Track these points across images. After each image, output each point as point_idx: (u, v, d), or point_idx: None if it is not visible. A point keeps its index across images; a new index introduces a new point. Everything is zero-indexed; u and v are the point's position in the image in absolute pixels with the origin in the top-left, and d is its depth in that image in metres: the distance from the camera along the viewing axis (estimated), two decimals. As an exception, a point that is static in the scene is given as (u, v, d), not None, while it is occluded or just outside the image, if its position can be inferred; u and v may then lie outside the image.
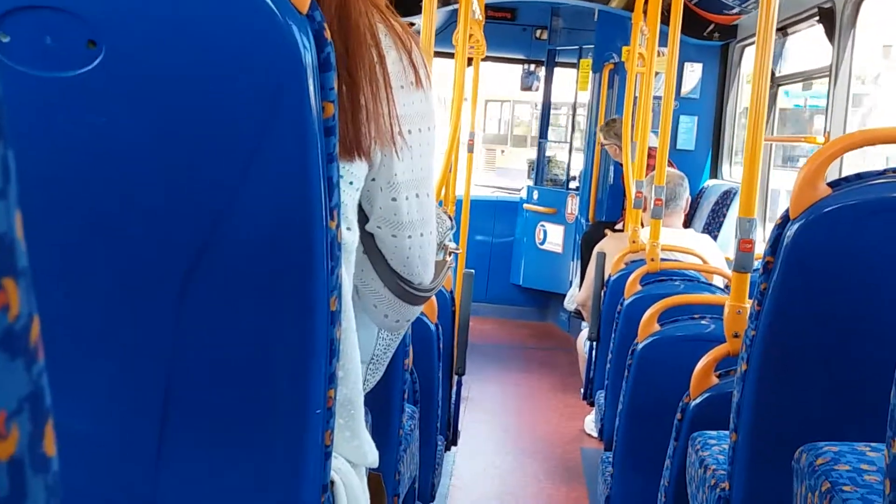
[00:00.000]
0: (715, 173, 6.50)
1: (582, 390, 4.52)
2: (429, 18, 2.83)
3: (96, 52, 0.81)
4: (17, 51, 0.79)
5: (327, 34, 0.88)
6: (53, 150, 0.82)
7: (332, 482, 1.01)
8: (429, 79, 1.08)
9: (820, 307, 1.53)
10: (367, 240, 1.10)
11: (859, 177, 1.52)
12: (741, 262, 2.18)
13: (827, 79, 4.43)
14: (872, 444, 1.26)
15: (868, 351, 1.50)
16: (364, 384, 1.24)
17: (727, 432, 1.67)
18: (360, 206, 1.07)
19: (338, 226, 0.93)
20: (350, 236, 1.04)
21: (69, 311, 0.88)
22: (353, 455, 1.07)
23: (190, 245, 0.87)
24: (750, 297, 1.97)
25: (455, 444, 3.61)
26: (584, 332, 4.61)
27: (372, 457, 1.09)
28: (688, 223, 5.63)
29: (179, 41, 0.82)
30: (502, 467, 4.16)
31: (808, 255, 1.51)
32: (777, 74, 5.47)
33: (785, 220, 1.54)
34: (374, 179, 1.05)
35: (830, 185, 1.53)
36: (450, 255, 1.33)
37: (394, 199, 1.07)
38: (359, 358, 1.06)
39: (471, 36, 4.41)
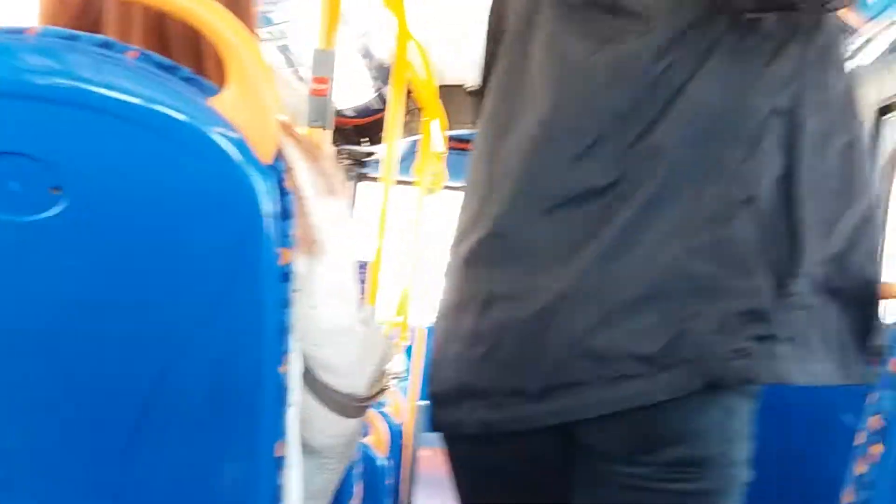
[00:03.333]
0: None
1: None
2: (392, 150, 2.89)
3: (60, 197, 0.82)
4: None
5: (287, 183, 0.90)
6: (11, 293, 0.83)
7: None
8: (342, 187, 1.09)
9: None
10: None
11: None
12: None
13: None
14: None
15: None
16: None
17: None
18: None
19: (287, 371, 0.94)
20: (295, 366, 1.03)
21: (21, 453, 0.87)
22: None
23: (139, 392, 0.87)
24: None
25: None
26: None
27: None
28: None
29: (144, 190, 0.84)
30: None
31: None
32: None
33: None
34: (295, 290, 1.05)
35: None
36: (391, 378, 1.31)
37: (313, 307, 1.07)
38: (301, 499, 1.05)
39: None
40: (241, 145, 0.86)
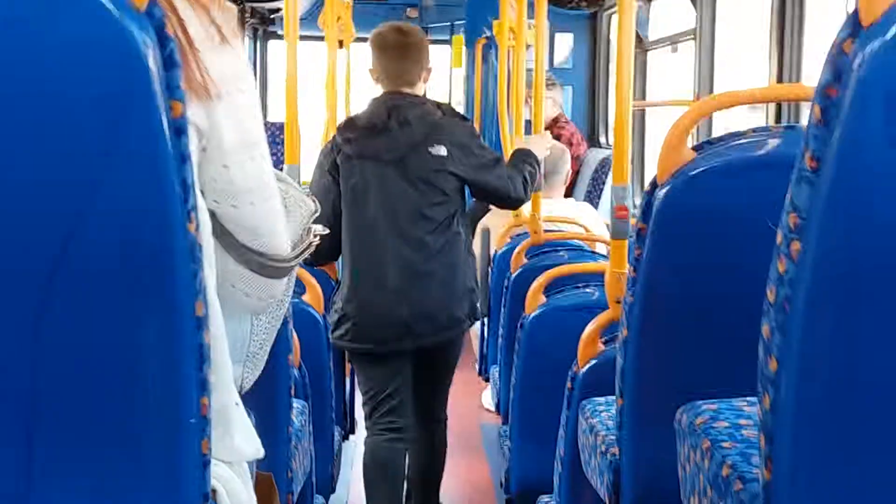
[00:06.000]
0: (592, 142, 6.61)
1: (476, 366, 4.56)
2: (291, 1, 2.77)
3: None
4: None
5: (169, 29, 0.85)
6: None
7: (214, 490, 0.98)
8: (235, 36, 1.03)
9: (691, 269, 1.56)
10: (210, 218, 1.04)
11: (721, 139, 1.56)
12: (617, 229, 2.21)
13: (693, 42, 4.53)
14: (749, 399, 1.29)
15: (739, 306, 1.54)
16: (242, 382, 1.22)
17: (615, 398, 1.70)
18: None
19: (197, 228, 0.90)
20: (205, 226, 0.99)
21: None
22: (230, 455, 1.04)
23: (45, 255, 0.83)
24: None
25: (353, 432, 3.59)
26: (476, 308, 4.64)
27: (251, 449, 1.06)
28: (569, 192, 5.71)
29: (17, 52, 0.79)
30: (404, 449, 4.16)
31: (676, 219, 1.54)
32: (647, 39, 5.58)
33: (653, 185, 1.57)
34: (204, 149, 1.00)
35: (694, 148, 1.57)
36: (316, 237, 1.28)
37: (225, 167, 1.01)
38: (230, 363, 1.03)
39: (338, 19, 4.36)
40: (110, -7, 0.80)
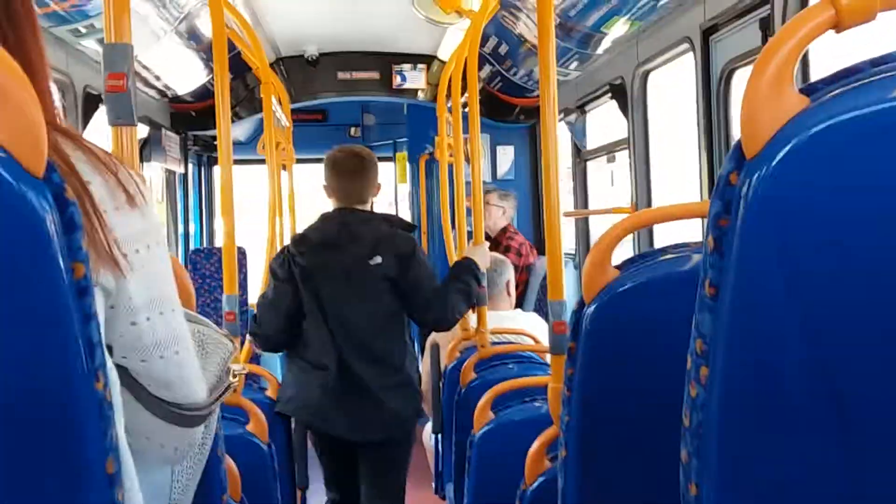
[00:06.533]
0: (541, 250, 6.66)
1: (433, 484, 4.49)
2: (225, 129, 2.79)
3: None
4: None
5: (68, 193, 0.85)
6: None
7: None
8: (143, 195, 1.04)
9: (623, 385, 1.57)
10: (120, 372, 1.04)
11: (643, 256, 1.59)
12: (556, 344, 2.22)
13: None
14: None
15: (673, 421, 1.54)
16: None
17: (562, 518, 1.67)
18: None
19: (105, 385, 0.89)
20: (115, 383, 0.98)
21: None
22: None
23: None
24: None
25: (305, 562, 3.50)
26: (429, 425, 4.59)
27: None
28: (520, 303, 5.72)
29: None
30: (362, 575, 4.04)
31: (604, 337, 1.55)
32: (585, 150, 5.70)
33: (581, 304, 1.59)
34: (112, 307, 1.00)
35: (618, 266, 1.59)
36: (235, 378, 1.27)
37: (133, 324, 1.02)
38: None
39: (278, 144, 4.41)
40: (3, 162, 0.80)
